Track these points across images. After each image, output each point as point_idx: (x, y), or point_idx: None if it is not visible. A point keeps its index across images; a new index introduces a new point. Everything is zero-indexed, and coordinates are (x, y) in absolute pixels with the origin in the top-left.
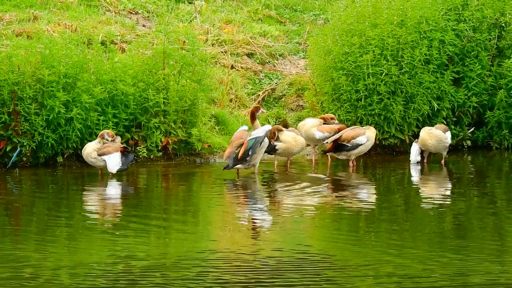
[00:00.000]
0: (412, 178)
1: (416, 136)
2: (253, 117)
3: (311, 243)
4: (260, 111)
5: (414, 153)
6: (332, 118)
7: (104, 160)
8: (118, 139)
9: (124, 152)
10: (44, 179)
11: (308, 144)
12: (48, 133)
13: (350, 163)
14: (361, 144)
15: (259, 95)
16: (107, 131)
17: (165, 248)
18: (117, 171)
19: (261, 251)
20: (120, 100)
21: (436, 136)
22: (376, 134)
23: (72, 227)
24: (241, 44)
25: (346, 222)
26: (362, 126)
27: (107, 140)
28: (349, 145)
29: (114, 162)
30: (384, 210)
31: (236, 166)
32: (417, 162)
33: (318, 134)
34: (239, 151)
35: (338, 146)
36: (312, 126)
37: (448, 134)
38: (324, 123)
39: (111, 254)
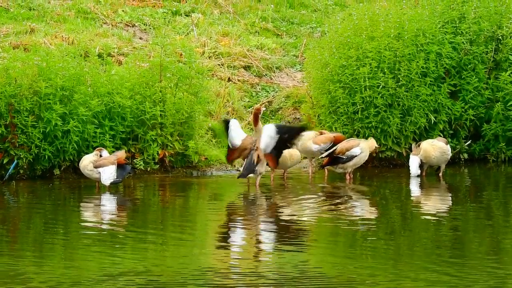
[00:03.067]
0: (409, 191)
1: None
2: (256, 119)
3: (309, 259)
4: (262, 111)
5: (415, 166)
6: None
7: (100, 173)
8: (120, 153)
9: (122, 165)
10: (41, 192)
11: (305, 156)
12: (45, 146)
13: (347, 176)
14: (356, 156)
15: None
16: (106, 152)
17: (164, 263)
18: (111, 184)
19: (257, 267)
20: (117, 112)
21: (440, 148)
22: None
23: (69, 241)
24: (238, 56)
25: (344, 237)
26: (360, 138)
27: (102, 156)
28: (344, 157)
29: (107, 174)
30: (382, 224)
31: (249, 176)
32: (418, 175)
33: (315, 147)
34: (249, 160)
35: (334, 159)
36: (308, 139)
37: (449, 147)
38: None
39: (109, 269)
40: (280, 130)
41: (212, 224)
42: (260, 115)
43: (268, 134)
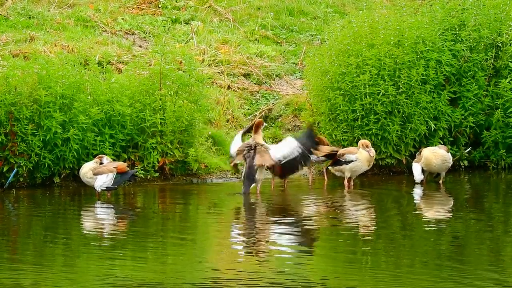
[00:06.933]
0: (410, 199)
1: (412, 156)
2: (257, 128)
3: (310, 268)
4: (263, 126)
5: (418, 172)
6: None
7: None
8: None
9: (123, 172)
10: (41, 200)
11: None
12: (45, 154)
13: (345, 182)
14: (352, 161)
15: (256, 115)
16: (108, 159)
17: (164, 271)
18: (103, 190)
19: (258, 276)
20: (117, 120)
21: (441, 156)
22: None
23: (70, 250)
24: (238, 64)
25: (344, 245)
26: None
27: (103, 163)
28: (342, 160)
29: (100, 182)
30: (382, 232)
31: (251, 187)
32: (421, 181)
33: (313, 157)
34: (247, 171)
35: (336, 161)
36: None
37: (450, 155)
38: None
39: (109, 278)
40: (302, 144)
41: (212, 232)
42: (261, 127)
43: (289, 146)
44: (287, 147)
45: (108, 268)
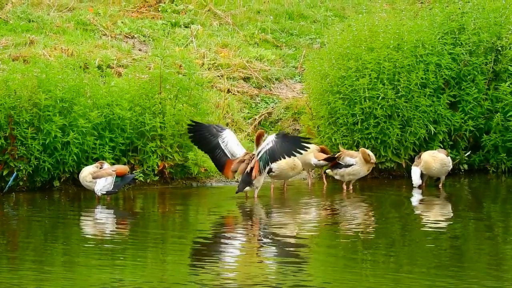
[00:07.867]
0: (409, 202)
1: (412, 160)
2: (258, 140)
3: (309, 273)
4: (265, 136)
5: (417, 176)
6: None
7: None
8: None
9: (123, 175)
10: (40, 204)
11: (303, 168)
12: (45, 157)
13: (344, 186)
14: (351, 165)
15: (256, 119)
16: (107, 165)
17: (164, 276)
18: (104, 194)
19: (257, 280)
20: (117, 124)
21: (441, 160)
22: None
23: (70, 254)
24: (237, 68)
25: (343, 248)
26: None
27: (102, 167)
28: (342, 163)
29: (100, 186)
30: (382, 235)
31: (245, 189)
32: (419, 185)
33: (314, 161)
34: (245, 174)
35: (336, 164)
36: (309, 152)
37: (450, 159)
38: (321, 151)
39: (109, 283)
40: (279, 136)
41: (211, 237)
42: (263, 138)
43: (267, 141)
44: (265, 142)
45: (108, 272)
